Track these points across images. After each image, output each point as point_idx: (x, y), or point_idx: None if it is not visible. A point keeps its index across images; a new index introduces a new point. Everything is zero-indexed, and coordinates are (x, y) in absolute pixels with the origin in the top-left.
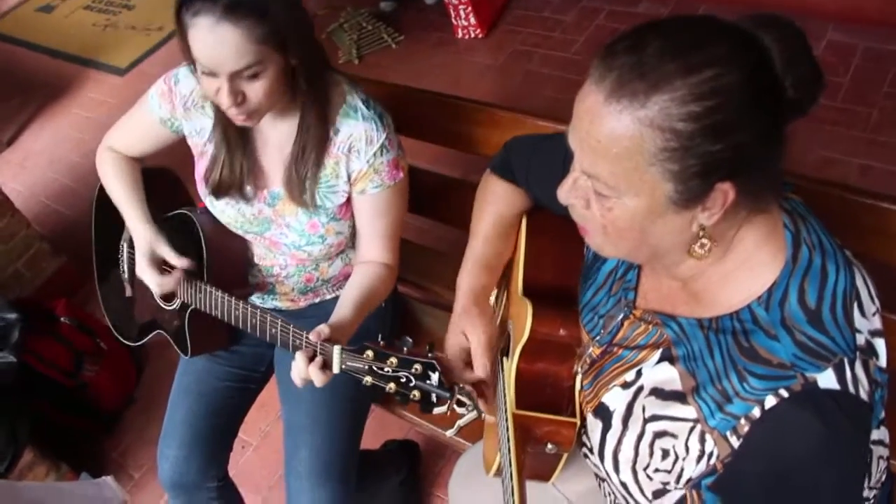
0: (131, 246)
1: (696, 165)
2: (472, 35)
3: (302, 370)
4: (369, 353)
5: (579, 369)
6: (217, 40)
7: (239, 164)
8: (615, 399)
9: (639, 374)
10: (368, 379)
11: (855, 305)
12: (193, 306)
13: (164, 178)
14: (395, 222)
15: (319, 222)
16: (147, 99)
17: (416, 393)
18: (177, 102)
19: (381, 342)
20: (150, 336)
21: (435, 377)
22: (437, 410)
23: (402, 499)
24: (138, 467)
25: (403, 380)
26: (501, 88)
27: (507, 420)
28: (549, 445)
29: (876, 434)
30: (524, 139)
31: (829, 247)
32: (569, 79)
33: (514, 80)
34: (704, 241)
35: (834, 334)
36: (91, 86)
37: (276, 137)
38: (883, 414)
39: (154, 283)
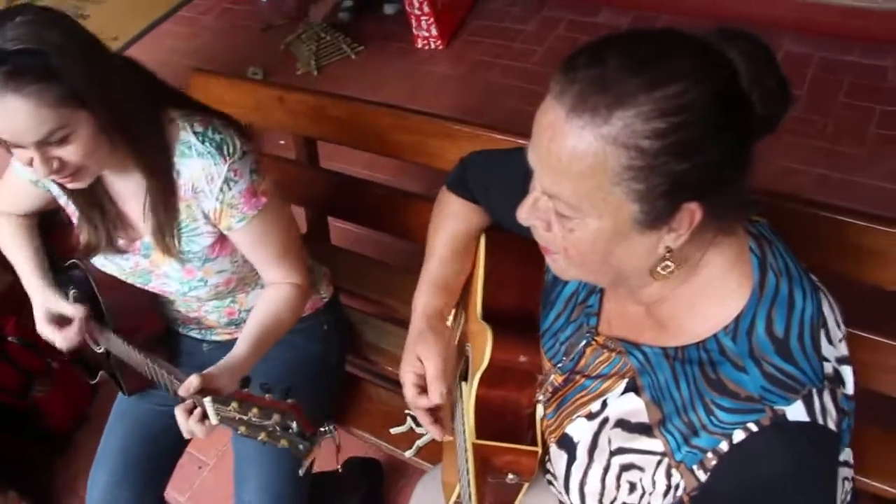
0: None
1: (662, 185)
2: (433, 46)
3: (182, 423)
4: (234, 403)
5: (541, 397)
6: (8, 114)
7: (100, 222)
8: (580, 430)
9: (604, 404)
10: (242, 429)
11: (822, 333)
12: (112, 352)
13: (62, 225)
14: (281, 243)
15: (194, 267)
16: (11, 163)
17: (284, 442)
18: None
19: (246, 390)
20: (99, 375)
21: (294, 425)
22: (307, 458)
23: None
24: None
25: (270, 429)
26: (462, 99)
27: (466, 451)
28: (511, 475)
29: (841, 455)
30: (481, 155)
31: (796, 272)
32: (529, 89)
33: (474, 91)
34: (668, 263)
35: (802, 365)
36: None
37: (128, 190)
38: (848, 438)
39: (57, 339)
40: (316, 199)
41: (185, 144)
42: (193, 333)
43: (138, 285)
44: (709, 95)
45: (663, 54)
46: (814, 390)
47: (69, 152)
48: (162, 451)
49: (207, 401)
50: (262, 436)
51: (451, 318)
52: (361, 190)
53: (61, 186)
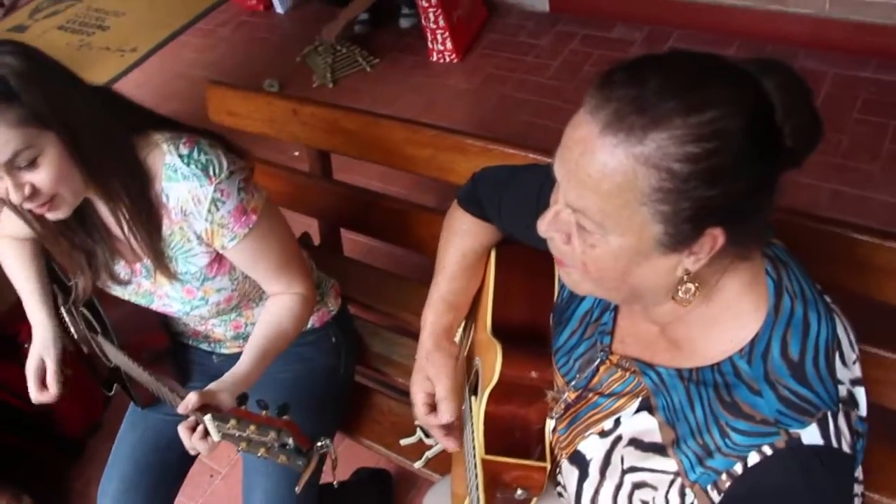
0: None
1: (688, 209)
2: (448, 59)
3: (185, 442)
4: (233, 420)
5: (553, 414)
6: None
7: (90, 264)
8: (592, 447)
9: (617, 422)
10: (243, 445)
11: (837, 355)
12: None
13: None
14: (278, 257)
15: (193, 287)
16: None
17: (283, 458)
18: None
19: (243, 407)
20: (115, 387)
21: (290, 441)
22: (304, 474)
23: None
24: None
25: (268, 445)
26: (476, 113)
27: (476, 466)
28: (520, 491)
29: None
30: (494, 171)
31: (811, 295)
32: (543, 103)
33: (488, 105)
34: (689, 285)
35: (817, 388)
36: None
37: (106, 215)
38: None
39: (34, 393)
40: (329, 211)
41: (171, 168)
42: (203, 346)
43: (142, 304)
44: (743, 124)
45: (703, 80)
46: (829, 413)
47: (40, 177)
48: (173, 460)
49: (208, 418)
50: (261, 451)
51: (460, 330)
52: (374, 202)
53: (42, 223)
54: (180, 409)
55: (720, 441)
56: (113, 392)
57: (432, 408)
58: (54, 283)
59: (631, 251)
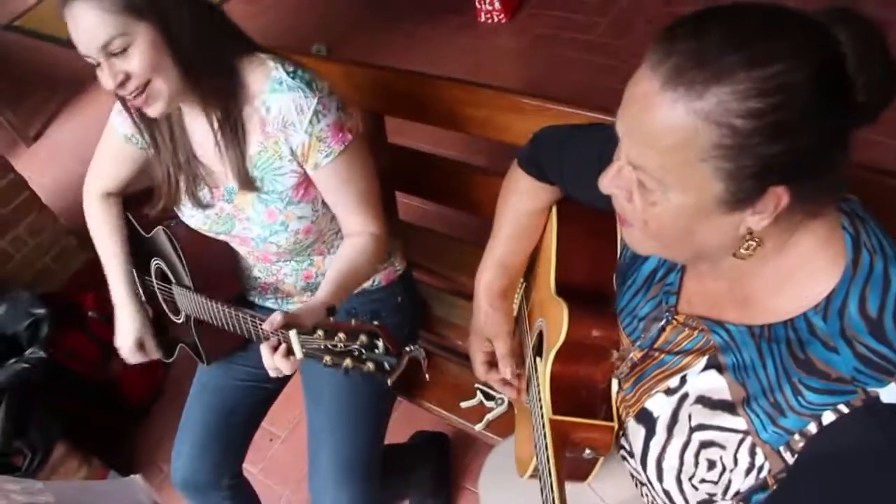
0: (147, 275)
1: (751, 166)
2: (496, 19)
3: (267, 360)
4: (319, 332)
5: (619, 374)
6: (77, 22)
7: (179, 174)
8: (659, 405)
9: (683, 380)
10: (328, 358)
11: None
12: (193, 315)
13: (145, 196)
14: (365, 187)
15: (276, 209)
16: (110, 122)
17: (371, 364)
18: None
19: (331, 319)
20: (177, 351)
21: (380, 344)
22: (394, 374)
23: (431, 491)
24: (168, 460)
25: (356, 353)
26: (525, 73)
27: (543, 427)
28: (587, 451)
29: None
30: (553, 131)
31: (891, 250)
32: (594, 62)
33: (538, 65)
34: (751, 242)
35: None
36: None
37: (204, 132)
38: None
39: (135, 361)
40: (383, 174)
41: (276, 81)
42: (269, 304)
43: (220, 236)
44: (810, 78)
45: (766, 32)
46: None
47: (131, 63)
48: (240, 425)
49: (293, 333)
50: (346, 362)
51: (520, 290)
52: (428, 164)
53: (151, 131)
54: (266, 326)
55: (793, 399)
56: (174, 357)
57: (492, 366)
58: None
59: (692, 209)
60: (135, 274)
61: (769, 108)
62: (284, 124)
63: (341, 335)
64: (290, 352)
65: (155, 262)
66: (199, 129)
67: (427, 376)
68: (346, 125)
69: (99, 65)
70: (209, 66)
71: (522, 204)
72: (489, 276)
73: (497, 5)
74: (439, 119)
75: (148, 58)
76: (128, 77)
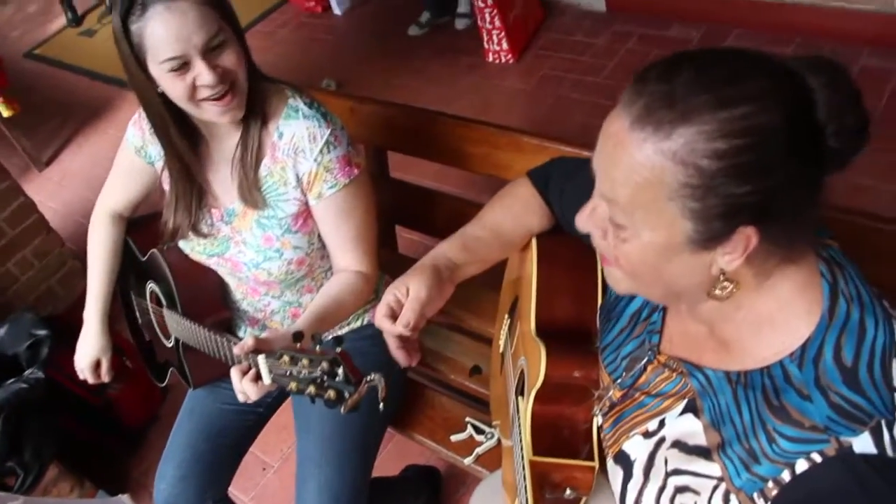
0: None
1: (718, 206)
2: (503, 60)
3: (235, 384)
4: (285, 357)
5: (598, 412)
6: (178, 18)
7: (188, 198)
8: (636, 448)
9: (661, 423)
10: (293, 385)
11: (894, 362)
12: (181, 339)
13: (148, 222)
14: (363, 224)
15: (274, 235)
16: (125, 134)
17: (332, 392)
18: (144, 126)
19: (298, 344)
20: (168, 375)
21: (340, 371)
22: (352, 403)
23: None
24: None
25: (318, 381)
26: (532, 113)
27: (524, 468)
28: (569, 491)
29: None
30: (569, 161)
31: (868, 299)
32: (599, 104)
33: (544, 105)
34: (725, 283)
35: (871, 395)
36: (128, 107)
37: (226, 152)
38: None
39: (91, 380)
40: (385, 207)
41: (293, 108)
42: (257, 330)
43: (213, 259)
44: (777, 122)
45: (735, 75)
46: (883, 422)
47: (229, 59)
48: (227, 448)
49: (261, 358)
50: (310, 388)
51: (505, 328)
52: (430, 200)
53: (169, 148)
54: (236, 350)
55: (767, 446)
56: (166, 382)
57: (394, 316)
58: (129, 270)
59: (661, 247)
60: (133, 298)
61: (735, 150)
62: (295, 150)
63: (304, 361)
64: (259, 377)
65: (150, 286)
66: (215, 148)
67: (381, 405)
68: (354, 160)
69: (184, 66)
70: (255, 77)
71: (513, 210)
72: (448, 244)
73: (505, 46)
74: (441, 155)
75: (240, 55)
76: (225, 72)
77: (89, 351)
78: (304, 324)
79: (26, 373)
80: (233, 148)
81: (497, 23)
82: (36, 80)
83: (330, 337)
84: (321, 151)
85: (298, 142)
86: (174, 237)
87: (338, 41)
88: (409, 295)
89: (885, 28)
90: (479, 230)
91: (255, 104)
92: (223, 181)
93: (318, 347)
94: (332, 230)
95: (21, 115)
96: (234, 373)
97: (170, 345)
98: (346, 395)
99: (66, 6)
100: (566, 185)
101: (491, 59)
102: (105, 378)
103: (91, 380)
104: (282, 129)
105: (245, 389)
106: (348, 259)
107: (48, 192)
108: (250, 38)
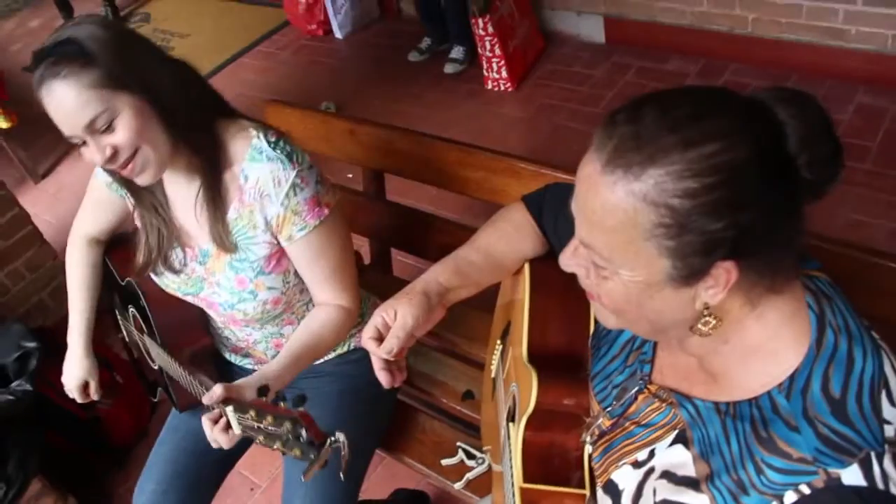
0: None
1: (694, 243)
2: (502, 88)
3: (207, 432)
4: (252, 411)
5: (587, 439)
6: (58, 102)
7: (157, 235)
8: (625, 478)
9: (651, 454)
10: (261, 438)
11: (883, 394)
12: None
13: (126, 243)
14: (337, 260)
15: (247, 277)
16: (94, 174)
17: (297, 451)
18: None
19: (263, 398)
20: (158, 393)
21: (303, 432)
22: (315, 467)
23: None
24: None
25: (284, 439)
26: (529, 141)
27: (514, 495)
28: None
29: None
30: (564, 186)
31: (856, 330)
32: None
33: (541, 134)
34: (709, 319)
35: (860, 427)
36: None
37: (189, 196)
38: None
39: (80, 400)
40: (381, 230)
41: (257, 150)
42: (246, 364)
43: (188, 298)
44: (746, 157)
45: (700, 113)
46: (872, 454)
47: (118, 138)
48: (209, 465)
49: (229, 409)
50: (277, 444)
51: (497, 353)
52: (426, 223)
53: (131, 189)
54: (205, 399)
55: (755, 478)
56: (158, 398)
57: (380, 340)
58: (113, 289)
59: (641, 285)
60: (118, 315)
61: (706, 188)
62: (261, 194)
63: (269, 418)
64: (229, 425)
65: (131, 310)
66: (181, 192)
67: (342, 475)
68: (323, 200)
69: (84, 143)
70: (194, 125)
71: (507, 234)
72: (439, 269)
73: (504, 74)
74: (438, 179)
75: (134, 127)
76: (115, 151)
77: (76, 373)
78: (280, 364)
79: (13, 384)
80: (187, 191)
81: (497, 51)
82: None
83: (296, 393)
84: (287, 195)
85: (263, 186)
86: (143, 273)
87: (338, 65)
88: (396, 319)
89: (881, 67)
90: (472, 254)
91: (208, 150)
92: (191, 222)
93: (282, 404)
94: (307, 269)
95: (19, 127)
96: (206, 421)
97: (155, 367)
98: (311, 456)
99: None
100: (560, 212)
101: (490, 86)
102: (94, 397)
103: (80, 399)
104: (247, 172)
105: (216, 438)
106: (327, 294)
107: (43, 204)
108: (251, 59)
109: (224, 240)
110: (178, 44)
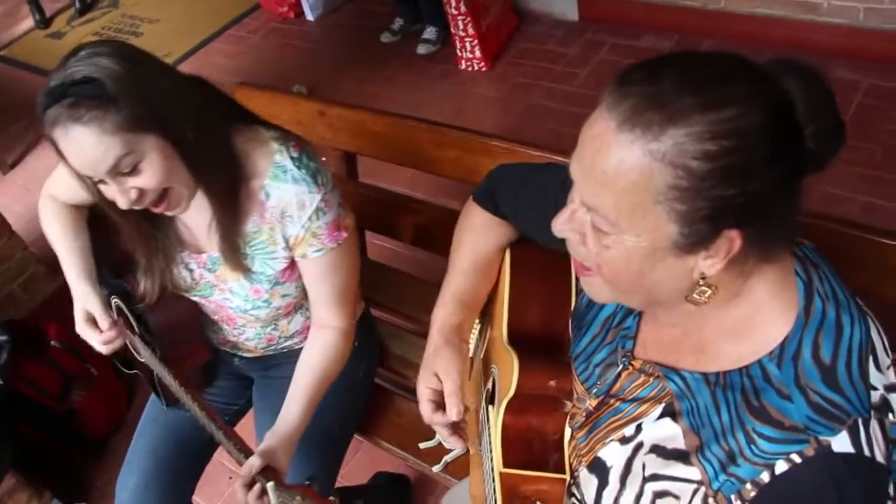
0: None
1: (705, 209)
2: (476, 67)
3: (240, 498)
4: (298, 497)
5: (574, 423)
6: (75, 146)
7: (157, 258)
8: (612, 454)
9: (638, 428)
10: None
11: (870, 359)
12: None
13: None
14: (344, 282)
15: (262, 288)
16: None
17: None
18: None
19: (311, 486)
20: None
21: None
22: None
23: None
24: None
25: None
26: (504, 120)
27: (493, 480)
28: (538, 503)
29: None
30: (511, 168)
31: (843, 297)
32: (571, 112)
33: (516, 113)
34: (704, 288)
35: (849, 393)
36: None
37: (197, 201)
38: None
39: (95, 340)
40: (354, 213)
41: (281, 168)
42: (227, 348)
43: (196, 299)
44: (763, 123)
45: (721, 77)
46: (860, 420)
47: (144, 180)
48: (191, 456)
49: (270, 486)
50: None
51: (475, 332)
52: (399, 205)
53: (122, 214)
54: (243, 472)
55: (746, 447)
56: (133, 370)
57: (438, 406)
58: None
59: (645, 252)
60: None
61: (723, 151)
62: (282, 214)
63: (307, 501)
64: (264, 492)
65: (114, 301)
66: (195, 205)
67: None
68: (342, 223)
69: (102, 181)
70: (213, 150)
71: (478, 240)
72: (445, 310)
73: (478, 54)
74: (411, 159)
75: (161, 169)
76: (142, 192)
77: (77, 305)
78: (299, 414)
79: None
80: (201, 204)
81: (470, 30)
82: (2, 81)
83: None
84: (310, 219)
85: (287, 207)
86: (144, 300)
87: (310, 47)
88: (442, 382)
89: (853, 40)
90: (462, 281)
91: (227, 175)
92: (200, 227)
93: (331, 497)
94: (314, 286)
95: None
96: (239, 487)
97: (141, 360)
98: None
99: (34, 8)
100: (517, 193)
101: (464, 66)
102: (105, 328)
103: (94, 338)
104: (269, 190)
105: (250, 503)
106: (327, 314)
107: (12, 195)
108: (222, 43)
109: (239, 262)
110: (147, 29)
